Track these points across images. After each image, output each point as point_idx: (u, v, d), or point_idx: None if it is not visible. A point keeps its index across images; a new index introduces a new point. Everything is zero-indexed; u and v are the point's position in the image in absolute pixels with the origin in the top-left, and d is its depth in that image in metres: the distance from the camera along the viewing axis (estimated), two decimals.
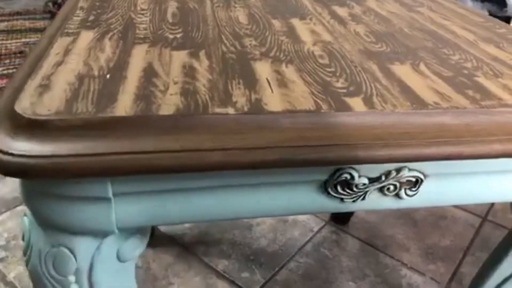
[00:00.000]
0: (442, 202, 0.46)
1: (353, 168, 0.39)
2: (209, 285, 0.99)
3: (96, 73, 0.40)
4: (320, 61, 0.46)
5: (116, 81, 0.38)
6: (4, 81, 1.81)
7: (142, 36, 0.49)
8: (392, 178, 0.40)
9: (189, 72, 0.41)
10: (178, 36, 0.50)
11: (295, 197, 0.41)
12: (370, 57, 0.48)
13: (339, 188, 0.40)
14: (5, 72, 1.89)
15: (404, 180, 0.41)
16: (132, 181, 0.36)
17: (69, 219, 0.36)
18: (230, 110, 0.36)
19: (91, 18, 0.53)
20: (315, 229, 1.17)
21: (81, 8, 0.56)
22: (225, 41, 0.50)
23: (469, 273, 1.06)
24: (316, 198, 0.41)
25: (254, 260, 1.06)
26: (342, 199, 0.41)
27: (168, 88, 0.38)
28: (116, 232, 0.38)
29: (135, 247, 0.42)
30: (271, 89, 0.39)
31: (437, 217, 1.25)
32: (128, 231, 0.41)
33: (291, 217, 1.21)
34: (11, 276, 0.97)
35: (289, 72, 0.43)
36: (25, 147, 0.31)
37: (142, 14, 0.56)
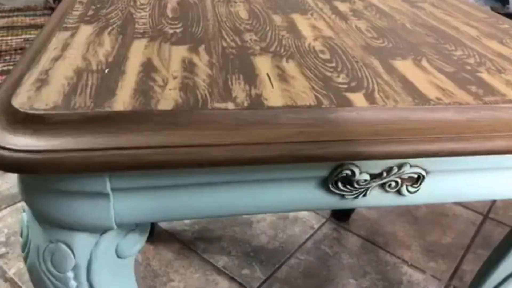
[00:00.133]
0: (444, 199, 0.45)
1: (354, 164, 0.38)
2: (209, 281, 0.98)
3: (94, 67, 0.39)
4: (321, 56, 0.46)
5: (115, 76, 0.38)
6: (4, 77, 1.80)
7: (141, 31, 0.48)
8: (394, 174, 0.40)
9: (189, 67, 0.41)
10: (177, 31, 0.49)
11: (295, 193, 0.40)
12: (372, 52, 0.48)
13: (340, 184, 0.40)
14: (5, 68, 1.89)
15: (405, 176, 0.41)
16: (131, 176, 0.36)
17: (67, 214, 0.36)
18: (230, 105, 0.35)
19: (90, 12, 0.53)
20: (316, 226, 1.17)
21: (80, 2, 0.56)
22: (225, 36, 0.49)
23: (470, 270, 1.06)
24: (317, 195, 0.40)
25: (255, 257, 1.06)
26: (343, 196, 0.41)
27: (167, 83, 0.38)
28: (115, 228, 0.38)
29: (134, 243, 0.42)
30: (272, 84, 0.39)
31: (438, 214, 1.25)
32: (127, 227, 0.41)
33: (291, 214, 1.20)
34: (11, 273, 0.97)
35: (290, 67, 0.43)
36: (22, 142, 0.31)
37: (142, 9, 0.56)
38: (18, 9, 2.53)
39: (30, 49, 0.44)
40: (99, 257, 0.39)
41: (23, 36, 2.19)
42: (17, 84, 0.36)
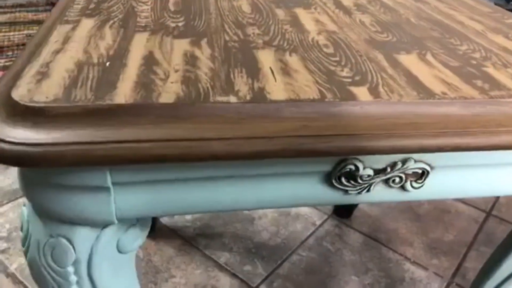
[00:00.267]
0: (448, 195, 0.45)
1: (358, 159, 0.38)
2: (211, 277, 0.98)
3: (95, 60, 0.39)
4: (325, 50, 0.45)
5: (116, 69, 0.38)
6: None
7: (143, 24, 0.48)
8: (398, 169, 0.39)
9: (191, 60, 0.40)
10: (180, 24, 0.49)
11: (298, 188, 0.40)
12: (376, 46, 0.47)
13: (343, 179, 0.39)
14: (7, 64, 1.89)
15: (410, 171, 0.40)
16: (132, 170, 0.35)
17: (68, 208, 0.36)
18: (232, 99, 0.35)
19: (92, 6, 0.52)
20: (318, 222, 1.17)
21: None
22: (228, 30, 0.49)
23: (473, 268, 1.05)
24: (320, 190, 0.40)
25: (256, 253, 1.06)
26: (346, 191, 0.40)
27: (168, 76, 0.37)
28: (115, 222, 0.37)
29: (135, 238, 0.41)
30: (274, 78, 0.38)
31: (440, 211, 1.24)
32: (128, 222, 0.41)
33: (293, 211, 1.20)
34: (12, 268, 0.97)
35: (293, 61, 0.42)
36: (22, 134, 0.31)
37: (144, 2, 0.55)
38: (21, 5, 2.53)
39: (31, 42, 0.43)
40: (99, 252, 0.39)
41: (25, 32, 2.19)
42: (17, 76, 0.36)
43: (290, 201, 0.41)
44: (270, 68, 0.40)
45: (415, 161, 0.39)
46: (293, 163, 0.38)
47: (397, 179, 0.40)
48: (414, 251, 1.10)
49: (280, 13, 0.56)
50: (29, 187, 0.37)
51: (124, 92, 0.34)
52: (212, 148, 0.33)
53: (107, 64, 0.38)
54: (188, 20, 0.50)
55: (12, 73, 0.37)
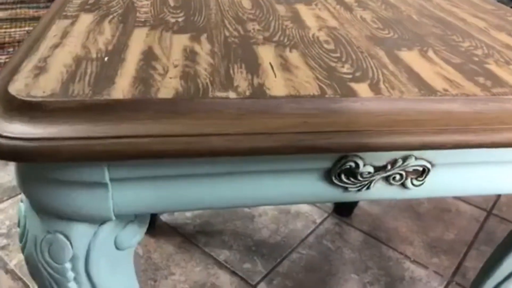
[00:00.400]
0: (449, 193, 0.45)
1: (358, 156, 0.38)
2: (210, 275, 0.98)
3: (94, 55, 0.39)
4: (326, 46, 0.45)
5: (115, 64, 0.37)
6: None
7: (142, 20, 0.48)
8: (398, 167, 0.39)
9: (190, 56, 0.40)
10: (179, 20, 0.49)
11: (298, 185, 0.39)
12: (377, 43, 0.47)
13: (343, 176, 0.39)
14: (8, 60, 1.88)
15: (410, 169, 0.40)
16: (130, 166, 0.35)
17: (65, 204, 0.35)
18: (232, 94, 0.34)
19: (91, 1, 0.52)
20: (318, 220, 1.16)
21: None
22: (228, 26, 0.48)
23: (473, 267, 1.05)
24: (320, 187, 0.40)
25: (256, 251, 1.05)
26: (346, 188, 0.40)
27: (167, 71, 0.37)
28: (113, 218, 0.37)
29: (133, 235, 0.41)
30: (274, 74, 0.38)
31: (441, 210, 1.24)
32: (126, 218, 0.40)
33: (294, 209, 1.20)
34: (12, 264, 0.97)
35: (293, 57, 0.42)
36: (18, 129, 0.30)
37: None
38: (22, 1, 2.52)
39: (29, 37, 0.43)
40: (97, 248, 0.39)
41: (26, 28, 2.18)
42: (15, 71, 0.35)
43: (290, 198, 0.41)
44: (270, 64, 0.40)
45: (416, 158, 0.39)
46: (293, 160, 0.38)
47: (398, 177, 0.40)
48: (414, 250, 1.09)
49: (281, 9, 0.55)
50: (26, 182, 0.36)
51: (122, 87, 0.34)
52: (211, 144, 0.32)
53: (106, 59, 0.38)
54: (188, 16, 0.50)
55: (10, 68, 0.36)
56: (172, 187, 0.37)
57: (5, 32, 2.13)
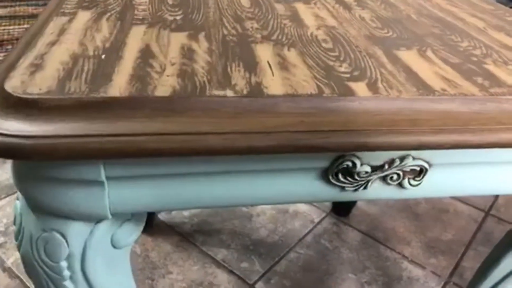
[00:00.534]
0: (446, 193, 0.45)
1: (356, 156, 0.38)
2: (208, 274, 0.98)
3: (91, 53, 0.38)
4: (324, 45, 0.45)
5: (112, 62, 0.37)
6: None
7: (140, 17, 0.47)
8: (396, 166, 0.39)
9: (188, 54, 0.40)
10: (177, 18, 0.48)
11: (295, 184, 0.39)
12: (376, 42, 0.47)
13: (340, 176, 0.39)
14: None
15: (408, 169, 0.40)
16: (126, 164, 0.35)
17: (61, 202, 0.35)
18: (229, 93, 0.34)
19: None
20: (316, 220, 1.16)
21: None
22: (226, 24, 0.48)
23: (471, 267, 1.05)
24: (317, 186, 0.40)
25: (254, 250, 1.05)
26: (343, 188, 0.40)
27: (165, 69, 0.37)
28: (109, 217, 0.37)
29: (130, 234, 0.41)
30: (272, 73, 0.38)
31: (439, 210, 1.24)
32: (123, 217, 0.40)
33: (291, 208, 1.20)
34: (9, 262, 0.97)
35: (291, 55, 0.42)
36: (14, 126, 0.30)
37: None
38: None
39: (26, 34, 0.43)
40: (93, 247, 0.38)
41: (25, 26, 2.18)
42: (11, 68, 0.35)
43: (287, 197, 0.40)
44: (268, 62, 0.40)
45: (414, 158, 0.39)
46: (290, 159, 0.38)
47: (395, 176, 0.40)
48: (412, 250, 1.09)
49: (280, 7, 0.55)
50: (22, 180, 0.36)
51: (119, 85, 0.34)
52: (208, 142, 0.32)
53: (103, 56, 0.38)
54: (186, 14, 0.50)
55: (6, 65, 0.36)
56: (168, 186, 0.37)
57: (3, 29, 2.12)
